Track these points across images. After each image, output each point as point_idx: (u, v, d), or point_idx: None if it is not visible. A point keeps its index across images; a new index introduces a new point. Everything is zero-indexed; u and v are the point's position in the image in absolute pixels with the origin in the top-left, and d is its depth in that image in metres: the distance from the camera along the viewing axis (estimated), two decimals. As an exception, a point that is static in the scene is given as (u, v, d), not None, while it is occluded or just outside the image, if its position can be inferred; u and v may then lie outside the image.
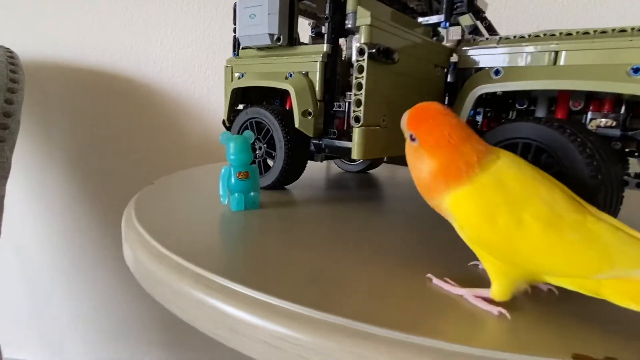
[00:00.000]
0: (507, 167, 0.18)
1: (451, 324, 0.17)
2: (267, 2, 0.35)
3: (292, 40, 0.37)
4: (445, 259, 0.24)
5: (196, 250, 0.24)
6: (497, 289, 0.18)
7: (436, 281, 0.20)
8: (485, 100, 0.33)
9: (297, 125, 0.35)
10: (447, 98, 0.36)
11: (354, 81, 0.29)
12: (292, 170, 0.38)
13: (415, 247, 0.27)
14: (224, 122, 0.44)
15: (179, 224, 0.29)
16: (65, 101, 0.72)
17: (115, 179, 0.74)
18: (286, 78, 0.36)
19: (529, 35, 0.29)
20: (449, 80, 0.36)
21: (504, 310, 0.17)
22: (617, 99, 0.27)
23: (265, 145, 0.39)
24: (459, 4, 0.34)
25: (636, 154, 0.28)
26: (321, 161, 0.45)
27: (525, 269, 0.17)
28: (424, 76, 0.34)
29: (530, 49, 0.28)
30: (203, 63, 0.69)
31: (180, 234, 0.27)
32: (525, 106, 0.31)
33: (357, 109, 0.30)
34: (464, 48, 0.33)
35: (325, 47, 0.35)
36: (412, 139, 0.19)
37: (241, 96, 0.43)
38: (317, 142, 0.37)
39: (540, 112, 0.30)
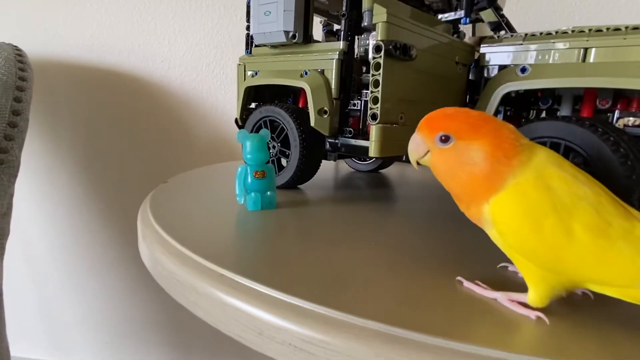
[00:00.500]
0: (548, 164, 0.17)
1: (487, 329, 0.16)
2: (282, -1, 0.35)
3: (308, 37, 0.36)
4: (471, 260, 0.24)
5: (217, 250, 0.23)
6: (535, 296, 0.17)
7: (467, 284, 0.20)
8: (505, 98, 0.32)
9: (312, 123, 0.35)
10: (468, 96, 0.36)
11: (371, 78, 0.29)
12: (307, 169, 0.38)
13: (438, 249, 0.26)
14: (236, 120, 0.44)
15: (196, 223, 0.28)
16: (74, 100, 0.72)
17: (123, 178, 0.74)
18: (301, 76, 0.36)
19: (556, 32, 0.28)
20: (470, 77, 0.35)
21: (542, 315, 0.17)
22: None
23: (279, 144, 0.38)
24: (479, 0, 0.33)
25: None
26: (335, 160, 0.45)
27: (568, 277, 0.16)
28: (445, 74, 0.34)
29: (559, 45, 0.28)
30: (211, 62, 0.69)
31: (199, 233, 0.26)
32: (548, 104, 0.30)
33: (373, 107, 0.29)
34: (487, 45, 0.32)
35: (341, 44, 0.34)
36: (443, 140, 0.18)
37: (253, 94, 0.43)
38: (332, 140, 0.36)
39: (565, 111, 0.29)
